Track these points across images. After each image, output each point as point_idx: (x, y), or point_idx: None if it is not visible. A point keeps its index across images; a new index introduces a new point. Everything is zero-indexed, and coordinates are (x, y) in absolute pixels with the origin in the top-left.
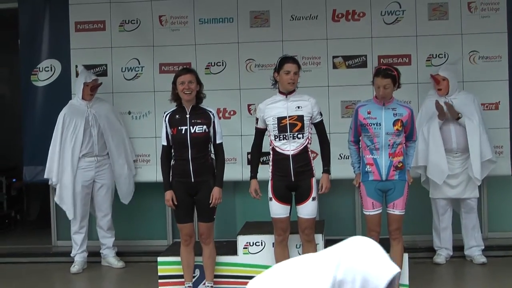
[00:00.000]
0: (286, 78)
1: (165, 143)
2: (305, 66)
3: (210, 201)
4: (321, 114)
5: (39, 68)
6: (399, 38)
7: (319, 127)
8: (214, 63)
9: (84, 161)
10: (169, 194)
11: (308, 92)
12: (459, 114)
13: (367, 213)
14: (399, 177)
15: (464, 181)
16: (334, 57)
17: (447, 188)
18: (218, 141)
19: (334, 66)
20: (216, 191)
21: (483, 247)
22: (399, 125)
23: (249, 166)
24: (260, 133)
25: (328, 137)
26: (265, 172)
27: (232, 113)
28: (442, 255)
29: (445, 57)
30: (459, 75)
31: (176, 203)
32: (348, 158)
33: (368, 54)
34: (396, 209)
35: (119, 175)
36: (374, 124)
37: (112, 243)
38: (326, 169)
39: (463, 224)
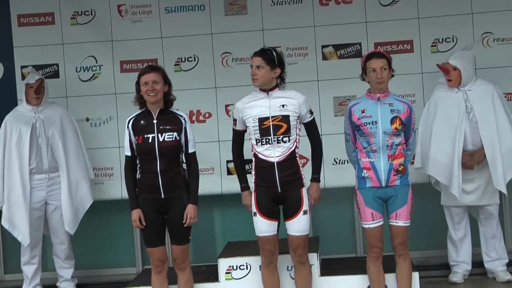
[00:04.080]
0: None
1: (128, 154)
2: (290, 58)
3: (184, 221)
4: (311, 113)
5: None
6: (399, 21)
7: (310, 127)
8: (185, 58)
9: (33, 179)
10: (136, 213)
11: (296, 88)
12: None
13: (366, 226)
14: (401, 182)
15: (482, 185)
16: (323, 46)
17: (462, 194)
18: (190, 150)
19: (324, 57)
20: (190, 209)
21: (507, 261)
22: (397, 123)
23: (229, 176)
24: (239, 135)
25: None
26: (248, 182)
27: (207, 115)
28: (459, 272)
29: (453, 41)
30: (474, 63)
31: (144, 223)
32: (345, 163)
33: (362, 42)
34: (400, 220)
35: (66, 196)
36: (369, 123)
37: (71, 274)
38: (316, 177)
39: (482, 232)
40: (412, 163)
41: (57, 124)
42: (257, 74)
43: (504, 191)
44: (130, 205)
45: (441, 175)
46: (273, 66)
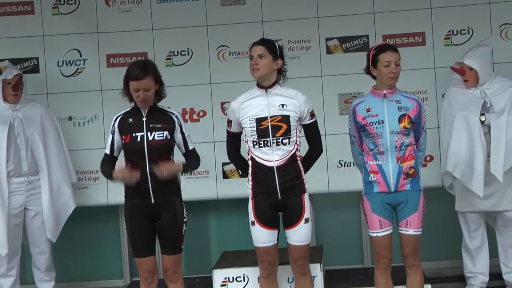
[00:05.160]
0: (250, 65)
1: (107, 151)
2: (291, 52)
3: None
4: (312, 115)
5: None
6: (409, 12)
7: (310, 129)
8: (177, 52)
9: (11, 183)
10: (118, 172)
11: (298, 84)
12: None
13: (374, 234)
14: (412, 186)
15: (500, 189)
16: (327, 39)
17: (477, 199)
18: (190, 147)
19: (328, 51)
20: (173, 164)
21: None
22: (406, 121)
23: (225, 180)
24: (234, 138)
25: (323, 139)
26: (244, 188)
27: (201, 114)
28: (476, 284)
29: (468, 33)
30: (492, 59)
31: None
32: (350, 165)
33: (370, 34)
34: (411, 228)
35: (48, 201)
36: (375, 123)
37: (52, 287)
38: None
39: (500, 240)
40: (425, 165)
41: (37, 123)
42: (259, 64)
43: (500, 177)
44: (107, 176)
45: (459, 171)
46: (275, 56)
